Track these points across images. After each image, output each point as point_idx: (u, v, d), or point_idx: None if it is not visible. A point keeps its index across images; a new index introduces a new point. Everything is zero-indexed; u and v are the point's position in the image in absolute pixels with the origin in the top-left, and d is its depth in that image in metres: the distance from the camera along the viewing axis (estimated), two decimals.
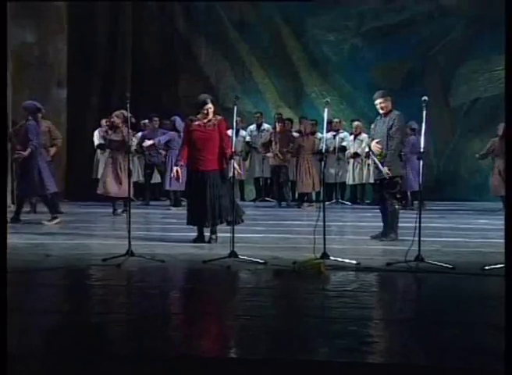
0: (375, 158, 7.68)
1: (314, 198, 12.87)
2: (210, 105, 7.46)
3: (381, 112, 7.69)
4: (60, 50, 13.36)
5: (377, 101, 7.68)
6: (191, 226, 7.61)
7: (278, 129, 12.69)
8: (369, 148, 7.89)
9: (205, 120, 7.47)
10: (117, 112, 10.34)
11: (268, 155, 12.88)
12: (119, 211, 10.46)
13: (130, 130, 7.69)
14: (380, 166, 7.62)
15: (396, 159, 7.63)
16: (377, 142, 7.65)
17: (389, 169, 7.55)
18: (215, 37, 15.11)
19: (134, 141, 12.89)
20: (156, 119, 12.49)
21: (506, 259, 4.42)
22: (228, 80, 15.11)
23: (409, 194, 11.73)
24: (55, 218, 9.32)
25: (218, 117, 7.55)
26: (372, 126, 8.00)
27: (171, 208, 11.71)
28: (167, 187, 11.85)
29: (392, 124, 7.60)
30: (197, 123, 7.49)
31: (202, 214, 7.42)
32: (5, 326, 3.49)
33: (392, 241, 7.61)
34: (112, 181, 10.16)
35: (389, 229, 7.77)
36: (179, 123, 11.17)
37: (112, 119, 10.34)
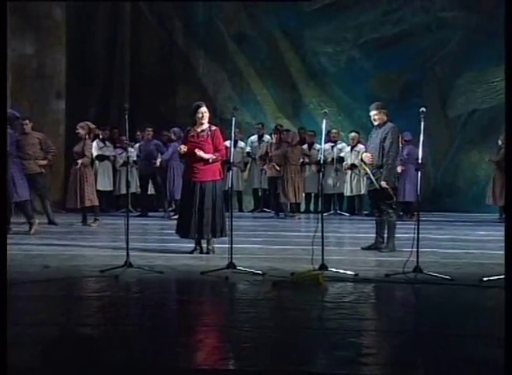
0: (367, 169, 7.72)
1: (301, 209, 12.98)
2: (204, 109, 7.45)
3: (374, 123, 7.76)
4: (58, 62, 13.39)
5: (371, 113, 7.74)
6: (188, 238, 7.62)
7: (274, 140, 12.73)
8: (361, 158, 7.93)
9: (199, 129, 7.47)
10: (81, 124, 10.40)
11: (265, 167, 12.91)
12: (90, 221, 10.45)
13: (128, 142, 7.67)
14: (372, 176, 7.66)
15: (391, 172, 7.67)
16: (369, 154, 7.70)
17: (386, 183, 7.58)
18: (214, 49, 15.16)
19: (133, 153, 12.94)
20: (150, 129, 12.50)
21: (506, 260, 4.41)
22: (226, 91, 15.15)
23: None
24: (32, 224, 9.34)
25: (213, 127, 7.54)
26: (369, 137, 8.04)
27: (172, 216, 11.72)
28: (168, 198, 11.88)
29: (386, 137, 7.64)
30: (191, 133, 7.51)
31: (194, 226, 7.39)
32: (5, 339, 3.50)
33: (390, 252, 7.61)
34: (72, 193, 10.26)
35: (387, 240, 7.78)
36: (180, 134, 11.20)
37: (77, 131, 10.36)
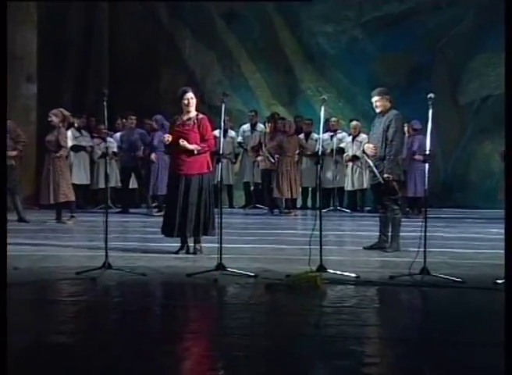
0: (370, 161, 7.75)
1: (298, 205, 13.01)
2: (190, 95, 7.45)
3: (377, 110, 7.81)
4: (29, 41, 13.33)
5: (373, 100, 7.78)
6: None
7: (268, 129, 12.73)
8: (363, 150, 7.97)
9: (185, 118, 7.48)
10: (55, 111, 10.38)
11: (259, 158, 12.93)
12: (65, 218, 10.44)
13: (107, 131, 7.67)
14: (375, 169, 7.70)
15: (395, 164, 7.70)
16: (371, 144, 7.75)
17: (389, 175, 7.62)
18: (201, 28, 15.16)
19: (113, 143, 12.92)
20: (133, 117, 12.47)
21: (505, 260, 4.45)
22: (215, 75, 15.15)
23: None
24: None
25: (201, 115, 7.55)
26: (371, 126, 8.08)
27: (154, 213, 11.73)
28: (151, 192, 11.89)
29: (389, 125, 7.67)
30: (178, 122, 7.52)
31: (178, 224, 7.41)
32: (5, 341, 3.62)
33: (395, 252, 7.65)
34: (45, 188, 10.26)
35: (391, 239, 7.82)
36: (165, 122, 11.21)
37: (50, 119, 10.34)
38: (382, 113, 7.77)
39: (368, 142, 8.03)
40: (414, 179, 11.86)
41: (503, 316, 3.96)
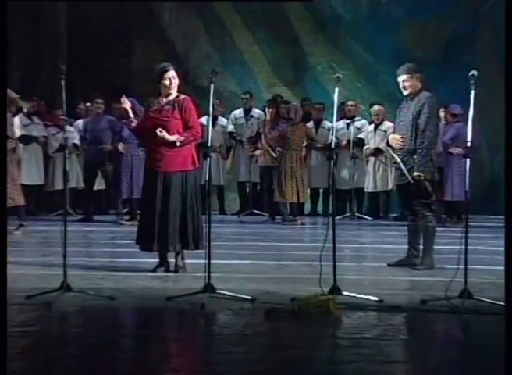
0: (396, 156, 7.77)
1: (306, 210, 13.03)
2: (172, 73, 7.47)
3: (404, 93, 7.84)
4: None
5: (400, 79, 7.81)
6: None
7: (269, 116, 12.73)
8: (387, 142, 7.99)
9: (164, 101, 7.49)
10: None
11: (257, 152, 12.94)
12: (13, 228, 10.37)
13: (66, 118, 7.68)
14: (402, 166, 7.72)
15: (428, 160, 7.71)
16: (397, 135, 7.78)
17: (420, 173, 7.64)
18: None
19: (73, 133, 12.92)
20: (100, 101, 12.47)
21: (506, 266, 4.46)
22: (201, 48, 15.18)
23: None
24: None
25: (182, 96, 7.55)
26: (398, 111, 8.09)
27: (123, 222, 11.76)
28: (125, 196, 11.90)
29: (420, 110, 7.69)
30: (154, 106, 7.52)
31: (157, 234, 7.42)
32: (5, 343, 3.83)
33: (428, 270, 7.67)
34: None
35: (423, 253, 7.83)
36: (138, 107, 11.23)
37: None
38: (411, 96, 7.78)
39: (394, 132, 8.05)
40: (452, 178, 11.90)
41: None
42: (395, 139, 7.82)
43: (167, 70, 7.48)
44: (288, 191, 12.17)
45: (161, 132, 7.37)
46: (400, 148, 7.77)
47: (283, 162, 12.22)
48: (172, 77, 7.46)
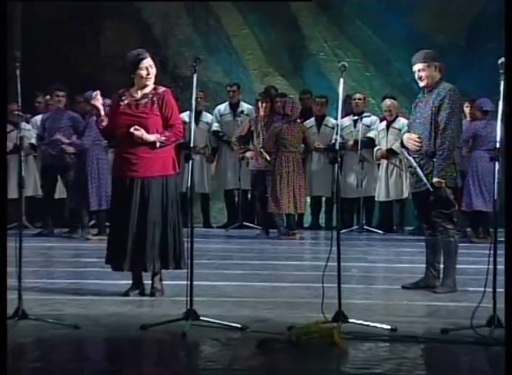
0: (411, 160, 7.79)
1: (305, 223, 13.06)
2: (149, 62, 7.46)
3: (421, 84, 7.86)
4: None
5: (415, 68, 7.83)
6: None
7: (262, 112, 12.72)
8: (401, 142, 7.99)
9: (138, 95, 7.49)
10: None
11: (248, 154, 12.93)
12: None
13: (22, 114, 7.68)
14: (419, 171, 7.74)
15: (449, 163, 7.75)
16: (414, 135, 7.80)
17: (441, 179, 7.66)
18: None
19: (30, 131, 12.91)
20: (61, 93, 12.45)
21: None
22: (182, 31, 15.20)
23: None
24: None
25: (162, 88, 7.56)
26: (413, 106, 8.11)
27: (89, 236, 11.77)
28: (93, 206, 11.91)
29: (440, 106, 7.71)
30: (126, 100, 7.52)
31: (132, 251, 7.43)
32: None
33: (450, 294, 7.68)
34: None
35: (444, 274, 7.86)
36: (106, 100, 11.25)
37: None
38: (429, 88, 7.81)
39: (409, 131, 8.06)
40: (479, 185, 11.89)
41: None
42: (411, 139, 7.82)
43: (143, 58, 7.46)
44: (284, 200, 12.17)
45: (137, 130, 7.35)
46: (417, 150, 7.78)
47: (278, 165, 12.21)
48: (149, 66, 7.46)
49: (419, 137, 7.79)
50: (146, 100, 7.48)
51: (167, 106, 7.48)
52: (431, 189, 7.74)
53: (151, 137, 7.39)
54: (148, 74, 7.46)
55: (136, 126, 7.37)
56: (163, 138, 7.41)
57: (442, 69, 7.88)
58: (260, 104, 12.83)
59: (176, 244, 7.49)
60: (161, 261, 7.49)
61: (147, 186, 7.43)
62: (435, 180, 7.71)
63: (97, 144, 11.81)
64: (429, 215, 7.91)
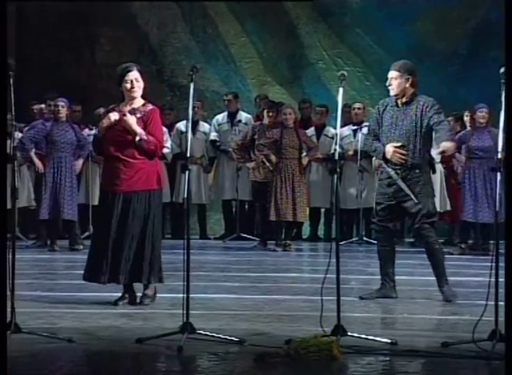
0: (392, 172, 7.82)
1: (305, 234, 13.02)
2: (135, 74, 7.54)
3: (391, 92, 8.00)
4: None
5: (388, 75, 8.01)
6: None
7: (267, 120, 12.60)
8: (383, 156, 7.97)
9: (126, 108, 7.56)
10: None
11: (249, 165, 12.87)
12: None
13: (15, 123, 7.68)
14: (402, 184, 7.83)
15: (430, 173, 7.99)
16: (397, 147, 7.84)
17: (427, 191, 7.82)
18: None
19: (24, 138, 12.87)
20: (62, 102, 12.33)
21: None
22: (179, 40, 15.19)
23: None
24: None
25: (149, 106, 7.65)
26: (387, 117, 8.07)
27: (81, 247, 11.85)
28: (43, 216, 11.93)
29: (430, 119, 7.80)
30: (113, 117, 7.56)
31: (111, 263, 7.52)
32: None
33: (450, 307, 7.68)
34: None
35: (439, 283, 7.91)
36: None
37: None
38: (399, 97, 7.94)
39: (376, 140, 8.13)
40: (475, 195, 11.82)
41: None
42: (397, 152, 7.84)
43: (128, 71, 7.57)
44: (283, 208, 12.09)
45: (127, 117, 7.44)
46: (402, 163, 7.81)
47: (276, 174, 12.17)
48: (134, 80, 7.55)
49: (404, 147, 7.83)
50: (132, 115, 7.56)
51: (153, 125, 7.59)
52: (416, 201, 7.80)
53: (138, 129, 7.47)
54: (132, 87, 7.54)
55: (127, 115, 7.47)
56: (145, 137, 7.46)
57: (414, 83, 7.99)
58: (266, 113, 12.70)
59: (152, 258, 7.56)
60: (134, 274, 7.58)
61: (128, 199, 7.53)
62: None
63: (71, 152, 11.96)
64: (396, 224, 7.98)
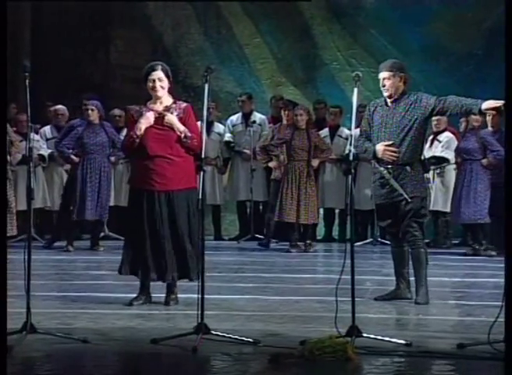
0: (385, 171, 7.84)
1: (319, 235, 13.02)
2: (158, 74, 7.55)
3: (384, 93, 7.96)
4: None
5: (380, 76, 7.96)
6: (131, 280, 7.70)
7: (285, 120, 12.52)
8: (374, 155, 7.97)
9: (160, 108, 7.56)
10: None
11: (271, 164, 12.83)
12: None
13: (31, 124, 7.69)
14: (394, 183, 7.84)
15: (423, 172, 8.00)
16: (388, 145, 7.84)
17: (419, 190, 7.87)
18: None
19: (39, 142, 12.92)
20: (91, 105, 12.23)
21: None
22: (194, 41, 15.19)
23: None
24: None
25: (183, 104, 7.67)
26: (376, 117, 8.06)
27: (100, 248, 11.89)
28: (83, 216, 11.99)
29: (413, 114, 7.80)
30: (152, 117, 7.56)
31: (154, 261, 7.56)
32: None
33: (466, 308, 7.68)
34: None
35: (417, 285, 7.92)
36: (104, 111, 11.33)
37: None
38: (392, 98, 7.91)
39: (363, 138, 8.13)
40: (469, 194, 11.74)
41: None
42: (388, 150, 7.84)
43: (152, 70, 7.58)
44: (287, 209, 12.05)
45: (169, 117, 7.48)
46: (393, 161, 7.81)
47: (284, 175, 12.17)
48: (157, 79, 7.56)
49: (394, 145, 7.82)
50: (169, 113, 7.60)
51: (191, 121, 7.64)
52: (408, 200, 7.81)
53: (181, 127, 7.52)
54: (155, 87, 7.54)
55: (169, 115, 7.51)
56: (189, 134, 7.50)
57: (406, 80, 7.98)
58: (283, 112, 12.68)
59: (196, 255, 7.55)
60: (181, 271, 7.65)
61: (172, 198, 7.59)
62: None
63: (102, 154, 11.93)
64: (398, 226, 7.97)
